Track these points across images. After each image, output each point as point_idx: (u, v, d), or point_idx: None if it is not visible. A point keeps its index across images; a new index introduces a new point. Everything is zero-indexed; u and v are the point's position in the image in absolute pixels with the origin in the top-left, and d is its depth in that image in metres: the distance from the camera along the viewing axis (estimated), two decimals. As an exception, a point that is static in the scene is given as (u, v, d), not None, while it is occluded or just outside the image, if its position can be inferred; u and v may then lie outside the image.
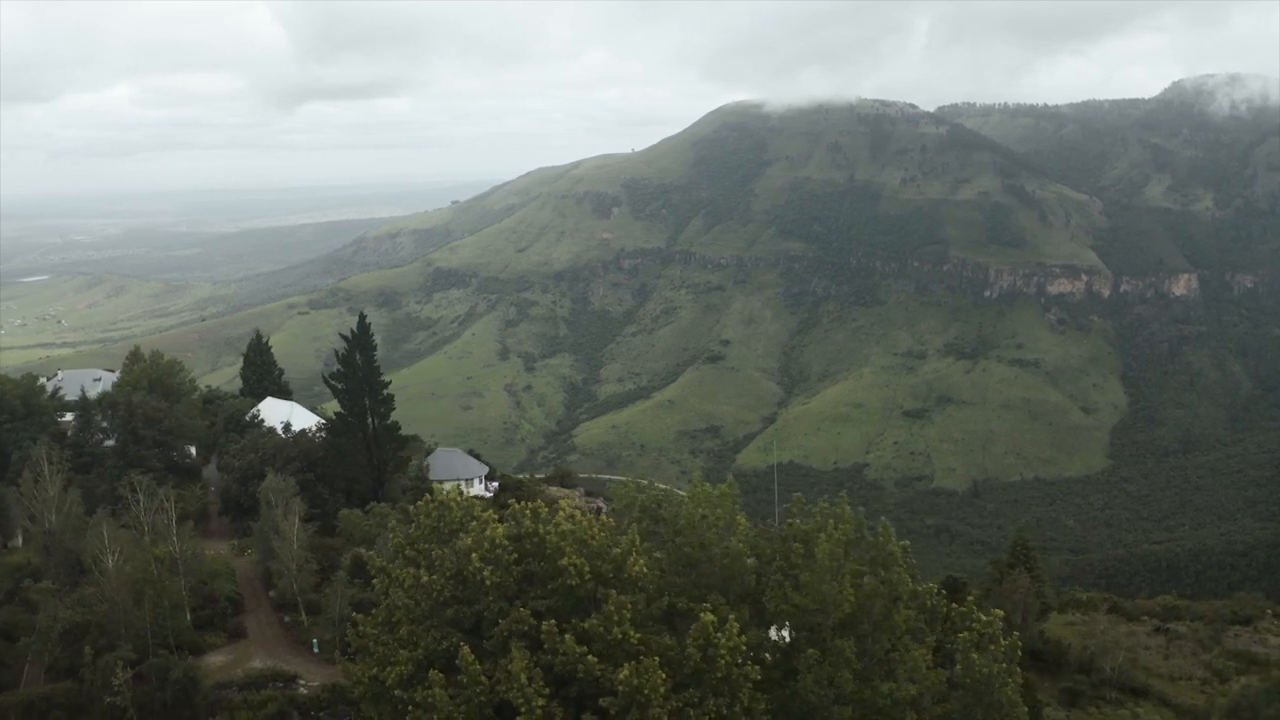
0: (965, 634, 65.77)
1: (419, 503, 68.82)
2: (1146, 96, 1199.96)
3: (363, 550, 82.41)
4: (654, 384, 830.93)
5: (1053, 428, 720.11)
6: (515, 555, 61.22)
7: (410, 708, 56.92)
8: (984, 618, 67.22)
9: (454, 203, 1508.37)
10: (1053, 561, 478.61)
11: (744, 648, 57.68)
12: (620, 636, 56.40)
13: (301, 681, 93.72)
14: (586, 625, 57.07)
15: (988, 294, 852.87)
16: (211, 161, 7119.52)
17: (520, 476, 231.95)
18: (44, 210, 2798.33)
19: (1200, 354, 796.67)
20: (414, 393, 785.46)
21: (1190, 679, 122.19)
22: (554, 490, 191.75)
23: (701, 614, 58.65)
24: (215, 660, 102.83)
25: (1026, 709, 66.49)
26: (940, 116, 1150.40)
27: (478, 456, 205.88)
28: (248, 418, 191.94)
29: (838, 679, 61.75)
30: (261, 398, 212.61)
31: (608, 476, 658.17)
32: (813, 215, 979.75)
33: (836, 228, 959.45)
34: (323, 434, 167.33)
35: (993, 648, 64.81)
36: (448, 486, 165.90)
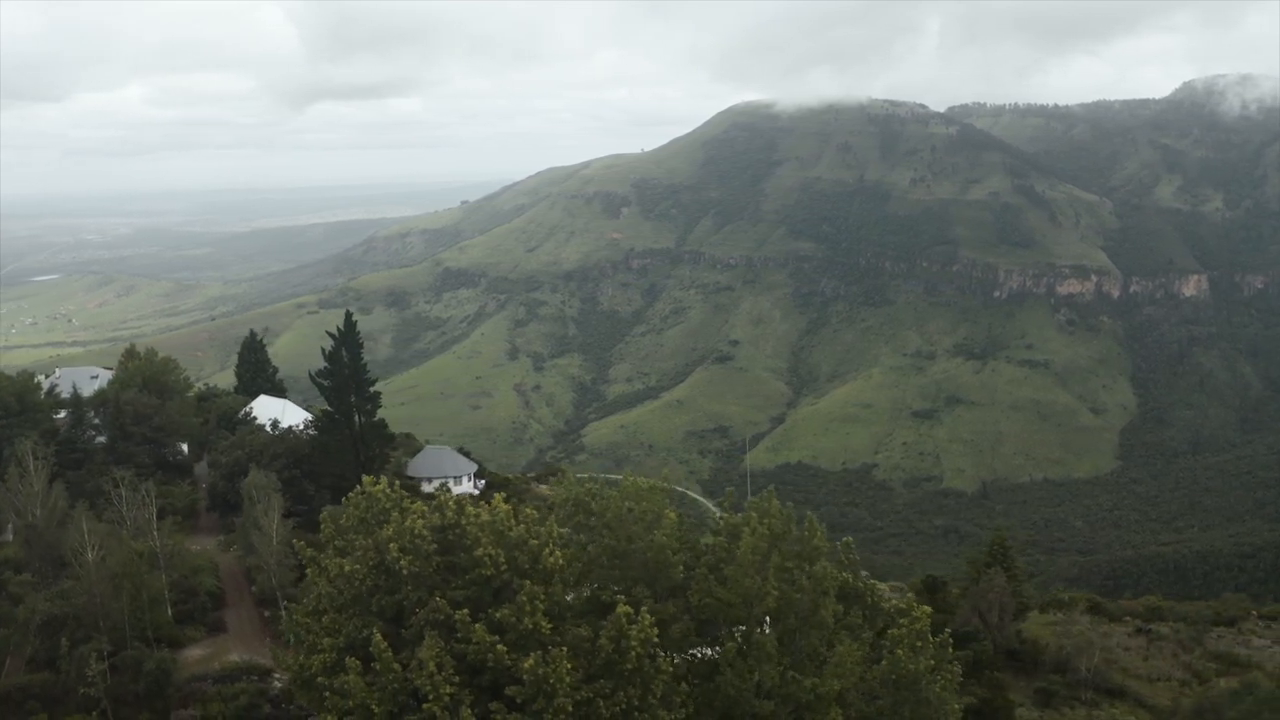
0: (893, 630, 65.35)
1: (350, 494, 69.02)
2: (1158, 97, 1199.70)
3: (294, 541, 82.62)
4: (663, 384, 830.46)
5: (1062, 429, 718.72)
6: (435, 545, 61.29)
7: (328, 694, 57.34)
8: (917, 614, 66.72)
9: (464, 203, 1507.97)
10: (1060, 563, 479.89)
11: (656, 639, 57.78)
12: (531, 626, 56.67)
13: (276, 675, 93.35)
14: (498, 615, 57.38)
15: (997, 294, 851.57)
16: (223, 161, 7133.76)
17: (508, 475, 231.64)
18: (56, 209, 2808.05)
19: (1210, 355, 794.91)
20: (423, 392, 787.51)
21: (1169, 680, 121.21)
22: (543, 488, 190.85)
23: (618, 606, 58.57)
24: (194, 653, 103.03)
25: (959, 707, 65.59)
26: (950, 117, 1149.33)
27: (468, 454, 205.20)
28: (241, 415, 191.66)
29: (760, 673, 61.65)
30: (255, 395, 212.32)
31: (616, 476, 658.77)
32: (822, 215, 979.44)
33: (846, 228, 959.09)
34: (310, 431, 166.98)
35: (920, 644, 64.10)
36: (435, 483, 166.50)
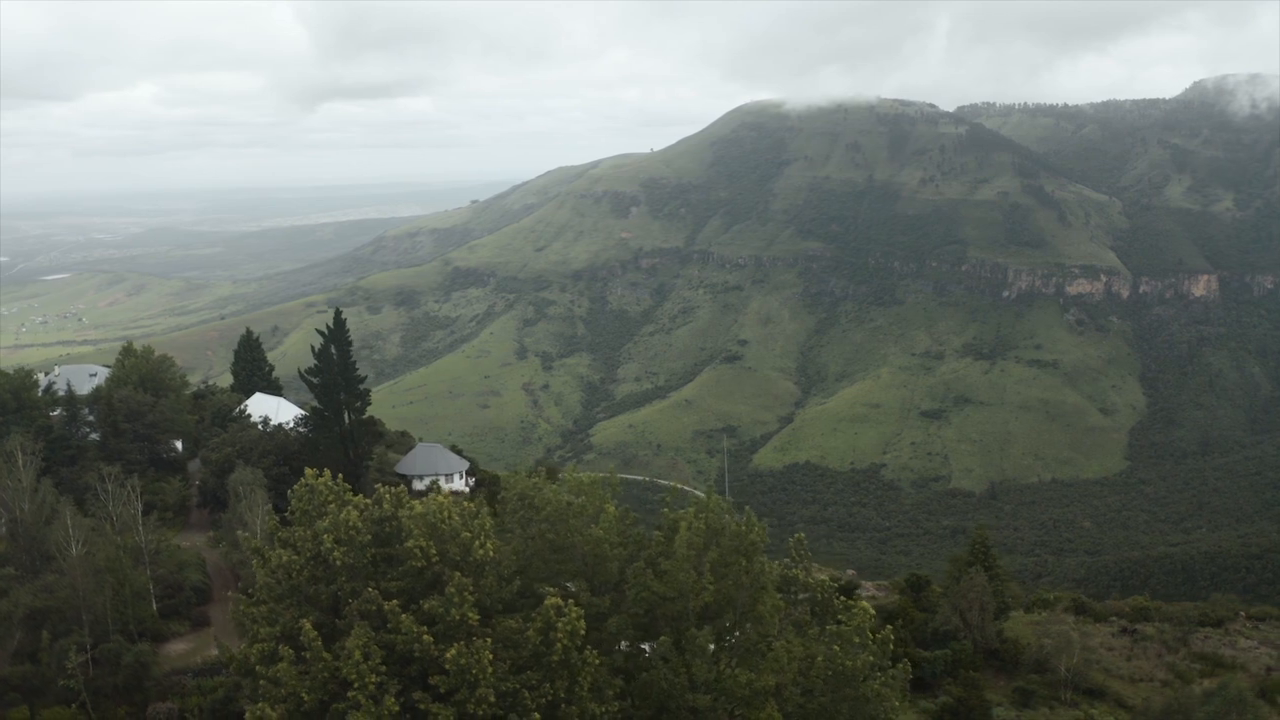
0: (831, 627, 65.44)
1: (295, 486, 69.11)
2: (1168, 96, 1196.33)
3: (240, 533, 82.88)
4: (671, 383, 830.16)
5: (1071, 429, 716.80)
6: (369, 537, 62.20)
7: (262, 682, 58.17)
8: (855, 611, 67.01)
9: (473, 202, 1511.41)
10: (1068, 563, 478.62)
11: (584, 632, 58.37)
12: (458, 617, 57.34)
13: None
14: (427, 605, 58.03)
15: (1006, 294, 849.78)
16: (234, 160, 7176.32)
17: (498, 472, 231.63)
18: (67, 208, 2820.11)
19: (1219, 355, 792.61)
20: (432, 391, 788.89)
21: (1151, 681, 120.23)
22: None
23: (547, 598, 59.40)
24: (177, 647, 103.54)
25: (897, 703, 65.41)
26: (960, 116, 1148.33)
27: (459, 452, 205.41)
28: (235, 413, 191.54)
29: (694, 667, 61.87)
30: (251, 393, 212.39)
31: (623, 476, 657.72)
32: (831, 215, 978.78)
33: (855, 228, 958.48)
34: (299, 428, 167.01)
35: (858, 641, 63.74)
36: (427, 480, 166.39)
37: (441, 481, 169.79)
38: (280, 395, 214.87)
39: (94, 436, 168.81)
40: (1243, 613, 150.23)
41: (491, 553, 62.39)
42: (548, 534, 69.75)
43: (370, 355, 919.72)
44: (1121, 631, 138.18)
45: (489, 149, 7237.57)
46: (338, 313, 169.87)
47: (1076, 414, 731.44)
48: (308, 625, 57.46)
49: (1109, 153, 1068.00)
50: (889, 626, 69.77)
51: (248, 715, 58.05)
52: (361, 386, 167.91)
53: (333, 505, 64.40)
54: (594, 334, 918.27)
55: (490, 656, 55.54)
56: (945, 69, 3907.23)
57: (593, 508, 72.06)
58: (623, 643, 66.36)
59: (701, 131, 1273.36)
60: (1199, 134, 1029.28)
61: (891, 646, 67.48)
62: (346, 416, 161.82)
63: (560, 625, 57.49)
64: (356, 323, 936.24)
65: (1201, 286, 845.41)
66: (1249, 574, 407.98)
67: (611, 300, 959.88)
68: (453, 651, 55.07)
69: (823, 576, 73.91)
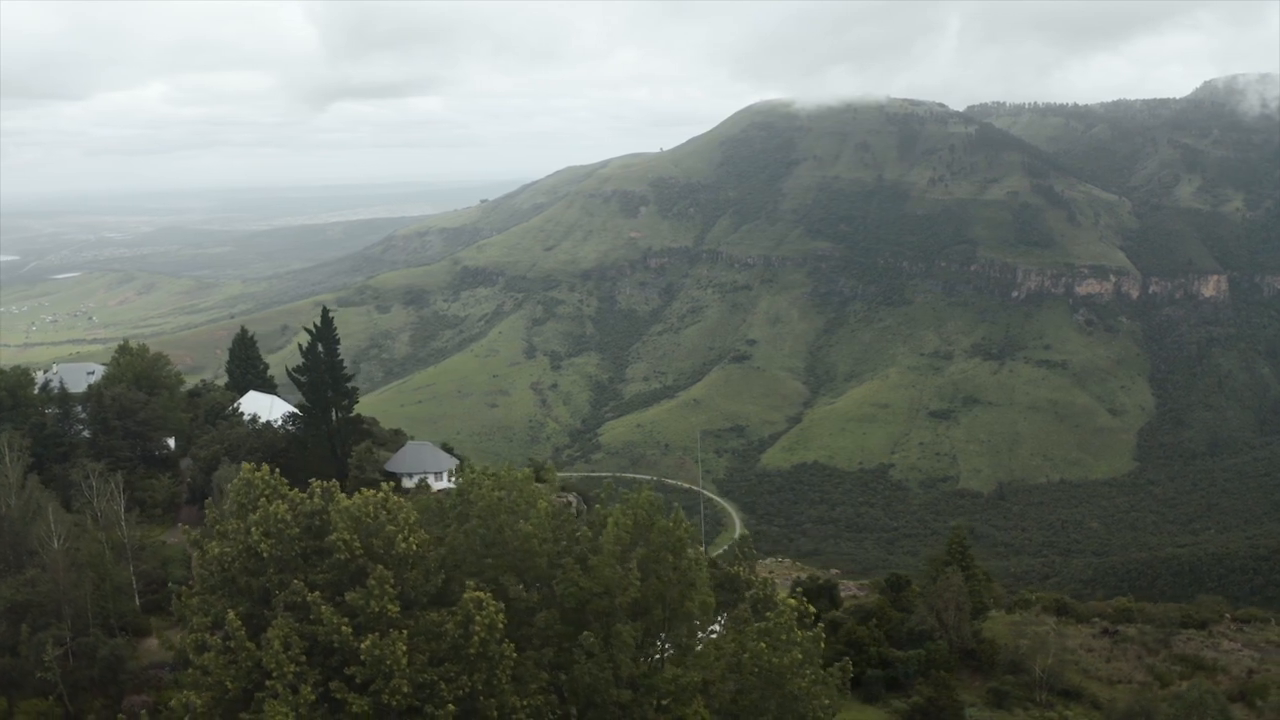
0: (759, 624, 65.36)
1: (234, 481, 70.30)
2: (1179, 96, 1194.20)
3: (182, 525, 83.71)
4: (679, 383, 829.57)
5: (1079, 429, 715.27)
6: (297, 530, 62.92)
7: (191, 670, 59.71)
8: (782, 608, 67.18)
9: (483, 201, 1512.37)
10: (1075, 564, 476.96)
11: (502, 626, 58.96)
12: (378, 610, 57.95)
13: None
14: (348, 597, 58.76)
15: (1015, 294, 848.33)
16: (243, 160, 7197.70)
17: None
18: (77, 207, 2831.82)
19: (1229, 356, 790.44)
20: (440, 390, 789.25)
21: (1129, 682, 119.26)
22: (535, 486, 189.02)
23: (465, 592, 59.99)
24: (156, 642, 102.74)
25: (828, 701, 64.99)
26: (969, 116, 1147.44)
27: (451, 450, 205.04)
28: (229, 411, 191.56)
29: (617, 662, 61.99)
30: (245, 391, 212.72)
31: (631, 475, 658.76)
32: (840, 215, 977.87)
33: (864, 227, 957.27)
34: (287, 426, 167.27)
35: (785, 638, 63.31)
36: (415, 478, 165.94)
37: (430, 479, 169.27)
38: (275, 394, 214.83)
39: (86, 434, 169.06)
40: (1228, 615, 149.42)
41: (414, 547, 62.63)
42: (479, 529, 69.51)
43: (379, 354, 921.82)
44: (1103, 633, 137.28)
45: (498, 149, 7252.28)
46: (325, 312, 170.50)
47: (1085, 414, 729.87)
48: (232, 615, 58.33)
49: (1119, 152, 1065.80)
50: (819, 625, 69.12)
51: (174, 702, 59.58)
52: (349, 385, 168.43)
53: (262, 500, 64.83)
54: (602, 333, 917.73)
55: (404, 648, 56.02)
56: (955, 69, 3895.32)
57: (525, 503, 71.73)
58: (555, 637, 66.08)
59: (710, 131, 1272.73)
60: (1209, 134, 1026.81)
61: (822, 644, 67.10)
62: (334, 414, 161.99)
63: (478, 619, 57.85)
64: (366, 322, 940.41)
65: (1211, 287, 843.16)
66: (1256, 575, 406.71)
67: (620, 300, 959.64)
68: (367, 643, 55.70)
69: (766, 575, 73.34)
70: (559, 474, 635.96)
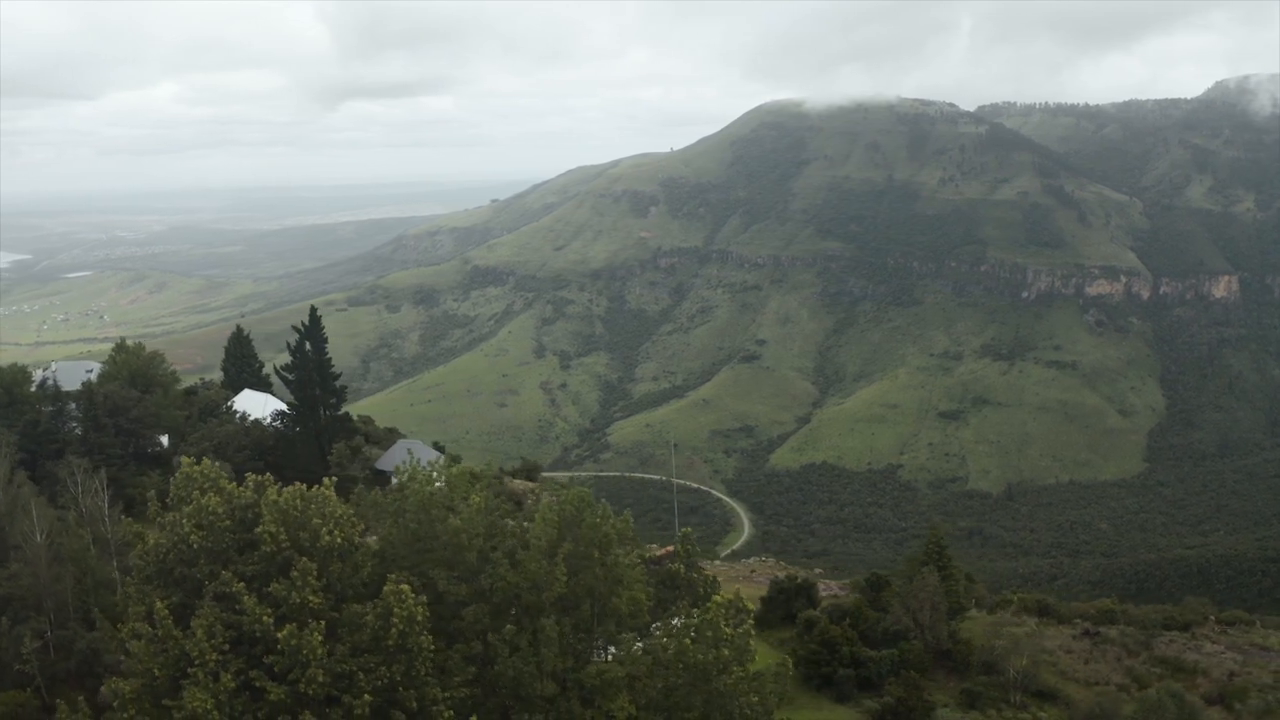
0: (686, 621, 66.05)
1: (177, 474, 71.29)
2: (1190, 96, 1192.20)
3: (122, 517, 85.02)
4: (689, 383, 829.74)
5: (1089, 430, 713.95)
6: (229, 522, 64.29)
7: (123, 658, 62.90)
8: (709, 604, 67.40)
9: (493, 201, 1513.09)
10: (1083, 565, 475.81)
11: (421, 618, 60.16)
12: (299, 601, 59.31)
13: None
14: (272, 588, 60.19)
15: (1025, 295, 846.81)
16: (254, 159, 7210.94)
17: (480, 468, 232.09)
18: (89, 206, 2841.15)
19: (1240, 357, 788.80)
20: (450, 390, 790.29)
21: (1107, 684, 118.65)
22: (517, 483, 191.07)
23: (386, 584, 61.38)
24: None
25: (757, 699, 65.29)
26: (980, 116, 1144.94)
27: (441, 449, 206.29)
28: (224, 409, 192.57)
29: (540, 656, 62.74)
30: (240, 389, 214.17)
31: (640, 475, 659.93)
32: (850, 215, 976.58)
33: (874, 227, 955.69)
34: (276, 424, 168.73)
35: (711, 634, 63.73)
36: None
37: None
38: (270, 392, 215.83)
39: (78, 431, 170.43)
40: (1212, 617, 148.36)
41: (339, 540, 63.79)
42: (410, 524, 70.87)
43: (389, 354, 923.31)
44: (1083, 634, 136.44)
45: (509, 148, 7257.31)
46: (313, 310, 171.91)
47: (1095, 415, 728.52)
48: (159, 604, 59.89)
49: (1130, 153, 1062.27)
50: (749, 622, 69.52)
51: (104, 688, 61.48)
52: (337, 383, 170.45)
53: (196, 492, 66.15)
54: (612, 333, 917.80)
55: (320, 638, 57.27)
56: (966, 68, 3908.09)
57: (458, 498, 73.23)
58: (486, 631, 67.02)
59: (721, 131, 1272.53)
60: (1220, 134, 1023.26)
61: (752, 642, 67.05)
62: (322, 412, 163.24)
63: (397, 611, 59.16)
64: (376, 321, 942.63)
65: (1222, 288, 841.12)
66: (1265, 577, 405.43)
67: (630, 299, 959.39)
68: (284, 632, 57.05)
69: (710, 573, 73.68)
70: (567, 474, 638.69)
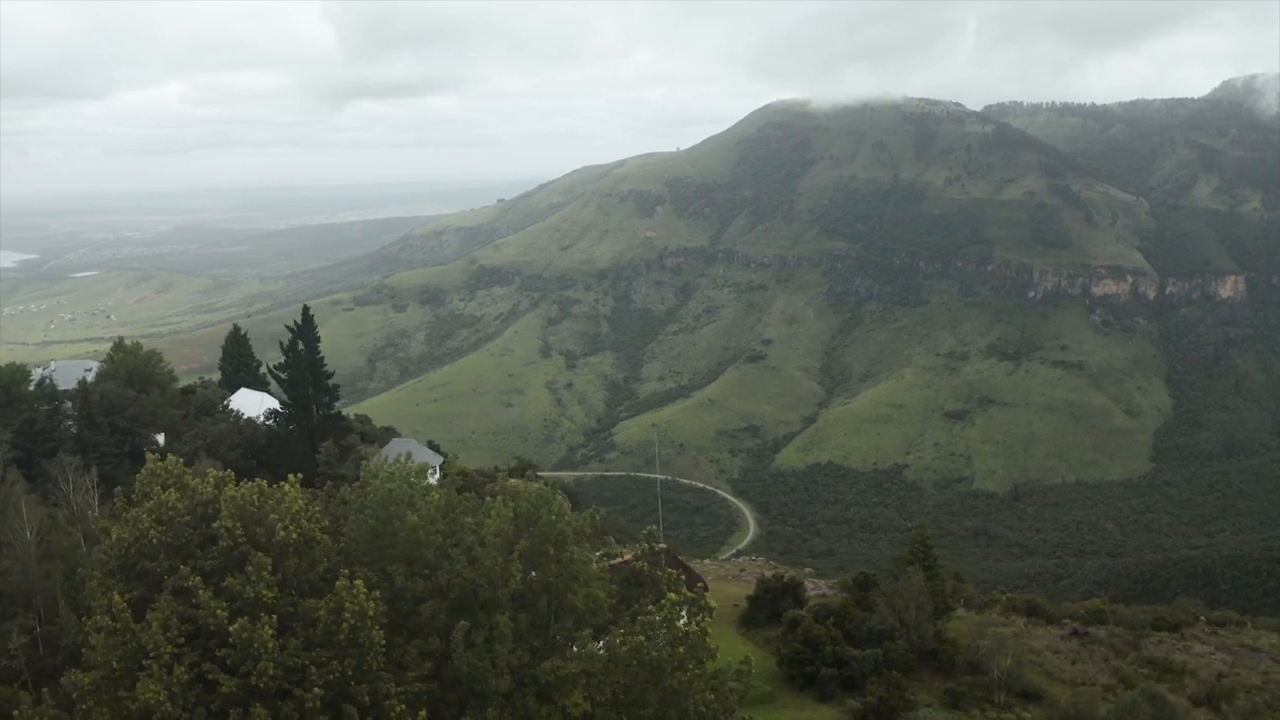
0: (641, 618, 65.49)
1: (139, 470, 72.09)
2: (1197, 96, 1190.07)
3: (89, 513, 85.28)
4: (695, 383, 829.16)
5: (1095, 430, 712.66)
6: (188, 517, 65.12)
7: (84, 650, 62.45)
8: (664, 602, 66.95)
9: (499, 201, 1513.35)
10: (1089, 566, 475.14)
11: (373, 613, 60.49)
12: (253, 595, 59.95)
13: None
14: (227, 583, 60.78)
15: (1032, 295, 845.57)
16: (261, 159, 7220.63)
17: (471, 468, 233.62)
18: (97, 206, 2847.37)
19: (1246, 357, 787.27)
20: (456, 389, 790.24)
21: (1094, 684, 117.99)
22: (512, 482, 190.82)
23: (339, 580, 61.77)
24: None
25: (712, 697, 65.03)
26: (986, 116, 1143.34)
27: (436, 448, 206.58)
28: (220, 408, 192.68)
29: (494, 652, 62.74)
30: (236, 388, 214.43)
31: (646, 474, 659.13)
32: (856, 215, 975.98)
33: (880, 227, 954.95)
34: (268, 423, 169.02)
35: (665, 631, 63.66)
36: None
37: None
38: (267, 391, 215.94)
39: (73, 430, 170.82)
40: (1203, 617, 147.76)
41: (294, 535, 64.28)
42: (369, 520, 71.21)
43: (395, 353, 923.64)
44: (1072, 634, 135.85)
45: (515, 148, 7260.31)
46: (305, 309, 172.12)
47: (1101, 415, 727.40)
48: (117, 597, 60.39)
49: (1136, 152, 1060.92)
50: (703, 618, 69.47)
51: (64, 680, 61.97)
52: (330, 382, 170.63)
53: (157, 487, 66.95)
54: (618, 333, 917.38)
55: (272, 632, 57.89)
56: (972, 68, 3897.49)
57: (419, 495, 73.51)
58: (444, 627, 67.17)
59: (727, 131, 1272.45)
60: (1227, 134, 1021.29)
61: (708, 640, 66.71)
62: (314, 411, 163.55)
63: (348, 605, 59.55)
64: (382, 321, 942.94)
65: (1229, 288, 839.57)
66: (1270, 578, 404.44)
67: (636, 299, 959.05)
68: (235, 626, 57.66)
69: (674, 572, 73.37)
70: (573, 473, 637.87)
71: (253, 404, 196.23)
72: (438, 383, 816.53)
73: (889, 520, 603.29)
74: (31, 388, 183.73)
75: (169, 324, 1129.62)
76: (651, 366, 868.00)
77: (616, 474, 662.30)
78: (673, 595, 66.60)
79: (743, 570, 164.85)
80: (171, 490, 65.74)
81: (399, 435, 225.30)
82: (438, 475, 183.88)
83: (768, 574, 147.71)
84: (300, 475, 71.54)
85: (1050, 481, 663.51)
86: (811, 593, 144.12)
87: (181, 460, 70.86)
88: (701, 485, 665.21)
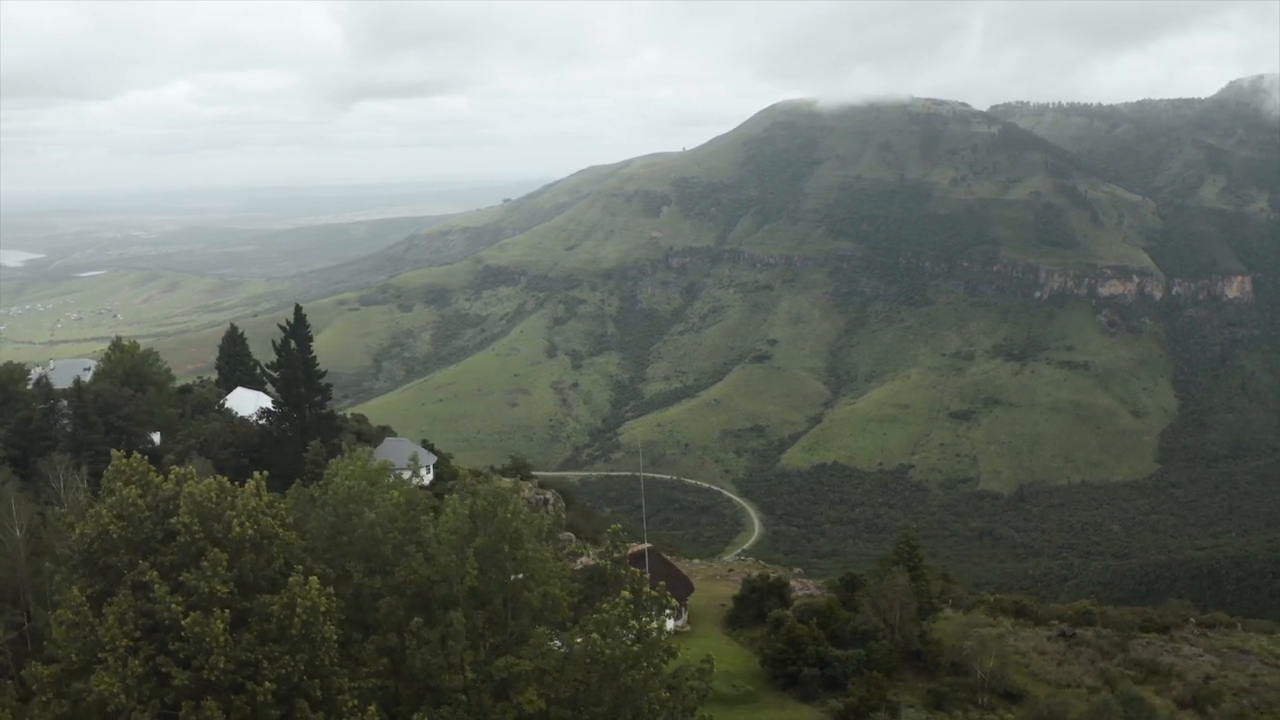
0: (594, 616, 65.29)
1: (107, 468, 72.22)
2: (1204, 96, 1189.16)
3: (54, 509, 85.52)
4: (700, 383, 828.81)
5: (1101, 431, 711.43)
6: (148, 513, 65.40)
7: (46, 643, 64.03)
8: (617, 599, 67.10)
9: (505, 201, 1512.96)
10: (1093, 567, 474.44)
11: (324, 609, 60.83)
12: (207, 590, 60.38)
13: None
14: (183, 578, 61.28)
15: (1038, 295, 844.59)
16: (268, 159, 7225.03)
17: (463, 467, 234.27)
18: (104, 206, 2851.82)
19: (1253, 358, 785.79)
20: (461, 389, 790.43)
21: (1079, 686, 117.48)
22: (506, 482, 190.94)
23: (292, 576, 62.42)
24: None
25: (667, 695, 64.98)
26: (993, 115, 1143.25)
27: (430, 447, 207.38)
28: (216, 407, 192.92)
29: (449, 649, 63.11)
30: (233, 387, 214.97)
31: (651, 474, 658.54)
32: (862, 215, 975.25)
33: (886, 227, 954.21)
34: (261, 421, 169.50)
35: (618, 629, 63.43)
36: (390, 475, 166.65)
37: (406, 475, 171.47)
38: (264, 390, 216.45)
39: (69, 429, 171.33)
40: (1192, 619, 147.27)
41: (250, 531, 64.57)
42: (328, 517, 71.87)
43: (401, 353, 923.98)
44: (1059, 635, 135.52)
45: (522, 148, 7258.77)
46: (298, 308, 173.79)
47: (1107, 416, 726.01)
48: (75, 591, 61.46)
49: (1143, 153, 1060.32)
50: (660, 618, 69.40)
51: (25, 673, 63.23)
52: (322, 381, 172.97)
53: (119, 483, 67.27)
54: (624, 333, 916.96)
55: (224, 626, 58.40)
56: (979, 68, 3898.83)
57: (379, 494, 74.18)
58: (397, 623, 67.95)
59: (733, 130, 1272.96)
60: (1234, 134, 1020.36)
61: (664, 639, 66.50)
62: (306, 410, 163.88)
63: (300, 601, 60.00)
64: (388, 320, 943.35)
65: (1235, 288, 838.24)
66: (1275, 579, 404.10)
67: (642, 299, 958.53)
68: (188, 620, 58.12)
69: (639, 571, 73.27)
70: (578, 473, 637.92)
71: (249, 403, 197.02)
72: (443, 383, 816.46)
73: (894, 521, 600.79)
74: (30, 386, 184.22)
75: (175, 323, 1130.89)
76: (657, 366, 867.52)
77: (622, 474, 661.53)
78: (626, 593, 66.48)
79: (731, 570, 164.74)
80: (132, 487, 66.09)
81: (394, 435, 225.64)
82: (430, 475, 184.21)
83: (754, 574, 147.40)
84: (265, 473, 72.01)
85: (1056, 482, 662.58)
86: (800, 593, 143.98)
87: (147, 458, 71.12)
88: (707, 485, 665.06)
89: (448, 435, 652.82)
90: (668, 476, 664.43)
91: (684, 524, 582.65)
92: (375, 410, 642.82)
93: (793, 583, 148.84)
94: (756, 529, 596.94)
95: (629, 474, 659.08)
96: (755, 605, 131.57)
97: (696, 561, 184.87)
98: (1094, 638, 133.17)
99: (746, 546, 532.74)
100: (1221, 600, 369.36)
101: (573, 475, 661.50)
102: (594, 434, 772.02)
